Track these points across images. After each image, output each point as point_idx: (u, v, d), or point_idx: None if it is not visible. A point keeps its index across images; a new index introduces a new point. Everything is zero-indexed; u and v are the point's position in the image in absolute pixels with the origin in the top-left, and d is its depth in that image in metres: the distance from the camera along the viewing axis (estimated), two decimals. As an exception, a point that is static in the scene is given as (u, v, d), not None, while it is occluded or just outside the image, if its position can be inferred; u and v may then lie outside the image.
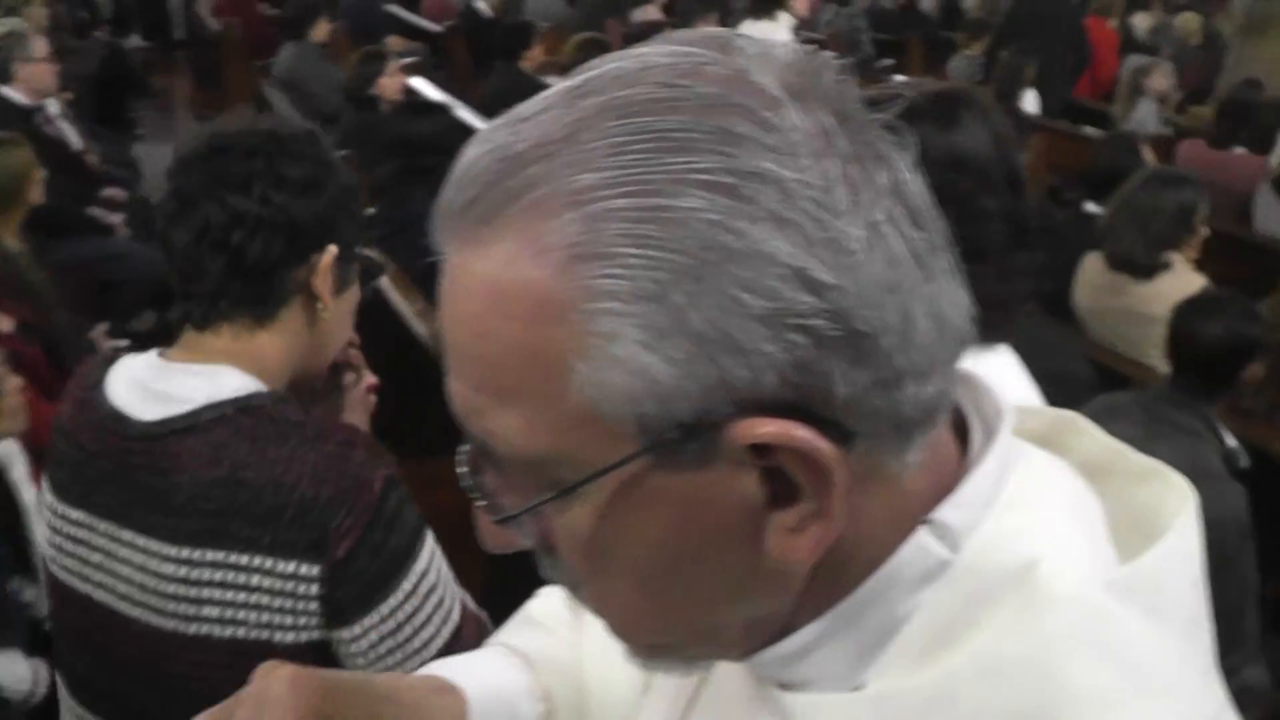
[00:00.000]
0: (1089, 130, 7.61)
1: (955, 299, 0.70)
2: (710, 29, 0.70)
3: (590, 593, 0.74)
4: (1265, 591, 3.64)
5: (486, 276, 0.65)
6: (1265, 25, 7.92)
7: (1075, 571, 0.69)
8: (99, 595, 1.66)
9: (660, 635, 0.74)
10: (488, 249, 0.65)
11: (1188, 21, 11.44)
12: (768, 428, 0.63)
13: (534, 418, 0.66)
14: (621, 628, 0.75)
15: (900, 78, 9.18)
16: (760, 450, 0.64)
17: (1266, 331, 3.21)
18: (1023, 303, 1.77)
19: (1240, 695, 2.49)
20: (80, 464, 1.68)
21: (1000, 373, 1.73)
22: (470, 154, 0.67)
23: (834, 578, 0.71)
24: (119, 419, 1.64)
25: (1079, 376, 3.42)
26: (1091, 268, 4.24)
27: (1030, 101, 7.82)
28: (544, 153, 0.64)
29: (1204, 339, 3.05)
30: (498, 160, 0.65)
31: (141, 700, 1.68)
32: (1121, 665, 0.67)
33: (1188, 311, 3.16)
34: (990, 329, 1.70)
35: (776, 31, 6.19)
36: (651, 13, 9.84)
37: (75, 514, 1.68)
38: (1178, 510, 0.75)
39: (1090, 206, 4.69)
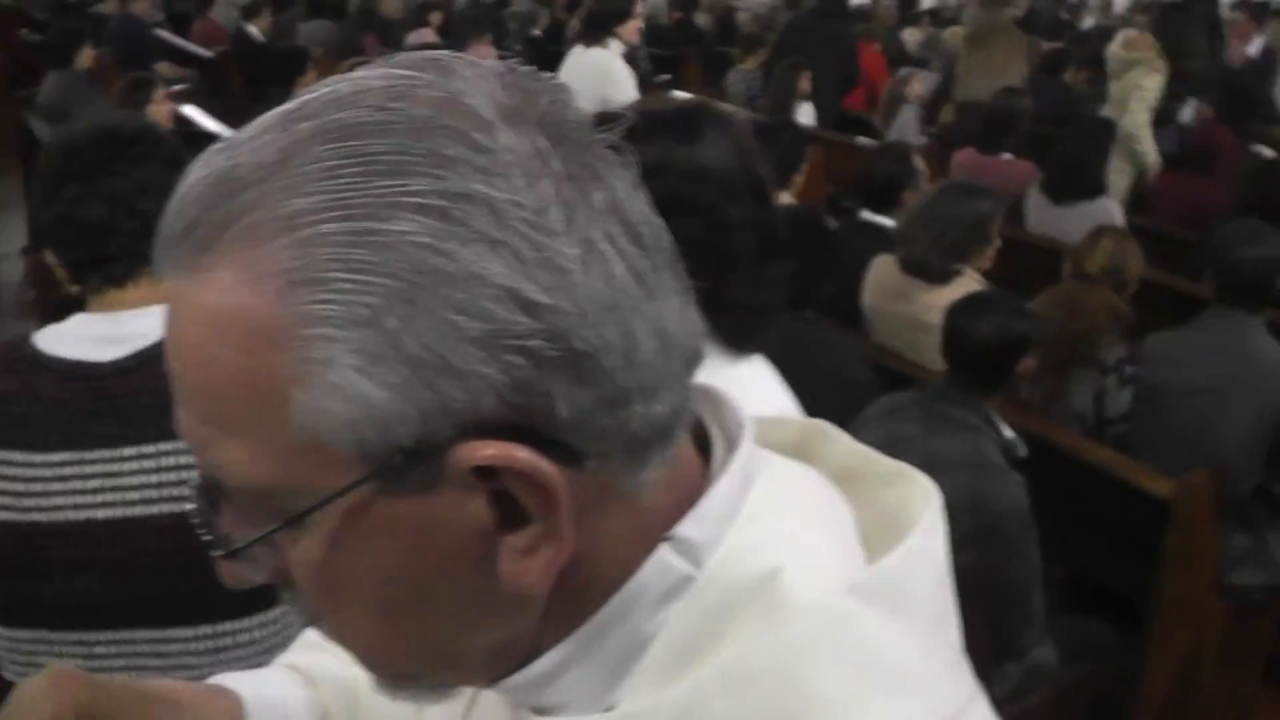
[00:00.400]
0: (862, 140, 7.83)
1: (682, 316, 0.70)
2: (432, 52, 0.70)
3: (329, 623, 0.73)
4: (1051, 573, 3.82)
5: (205, 304, 0.64)
6: (988, 36, 8.35)
7: (818, 578, 0.70)
8: (103, 514, 1.83)
9: (402, 664, 0.73)
10: (206, 276, 0.64)
11: (955, 34, 11.91)
12: (488, 450, 0.63)
13: (258, 448, 0.65)
14: (364, 657, 0.74)
15: (679, 93, 9.34)
16: (485, 473, 0.64)
17: (1038, 326, 3.34)
18: (776, 311, 1.81)
19: (1031, 674, 2.59)
20: (47, 416, 1.84)
21: (753, 381, 1.76)
22: (189, 178, 0.66)
23: (576, 599, 0.71)
24: (82, 365, 1.85)
25: (860, 379, 3.52)
26: (881, 271, 4.33)
27: (806, 114, 8.02)
28: (258, 177, 0.63)
29: (977, 337, 3.13)
30: (214, 185, 0.64)
31: (166, 590, 1.85)
32: (864, 666, 0.68)
33: (960, 311, 3.24)
34: (744, 337, 1.76)
35: (611, 60, 6.28)
36: (427, 35, 9.78)
37: (57, 457, 1.82)
38: (922, 509, 0.76)
39: (866, 215, 4.79)
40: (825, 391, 3.37)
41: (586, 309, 0.63)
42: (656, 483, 0.70)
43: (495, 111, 0.65)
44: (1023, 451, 3.17)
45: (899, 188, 4.76)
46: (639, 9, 6.42)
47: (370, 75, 0.67)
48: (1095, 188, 5.83)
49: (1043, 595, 3.15)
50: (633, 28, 6.35)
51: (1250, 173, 6.00)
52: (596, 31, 6.28)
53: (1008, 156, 6.46)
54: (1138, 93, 7.48)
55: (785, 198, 4.84)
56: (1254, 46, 9.03)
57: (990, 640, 3.04)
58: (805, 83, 7.97)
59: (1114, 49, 8.06)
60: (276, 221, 0.62)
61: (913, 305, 4.12)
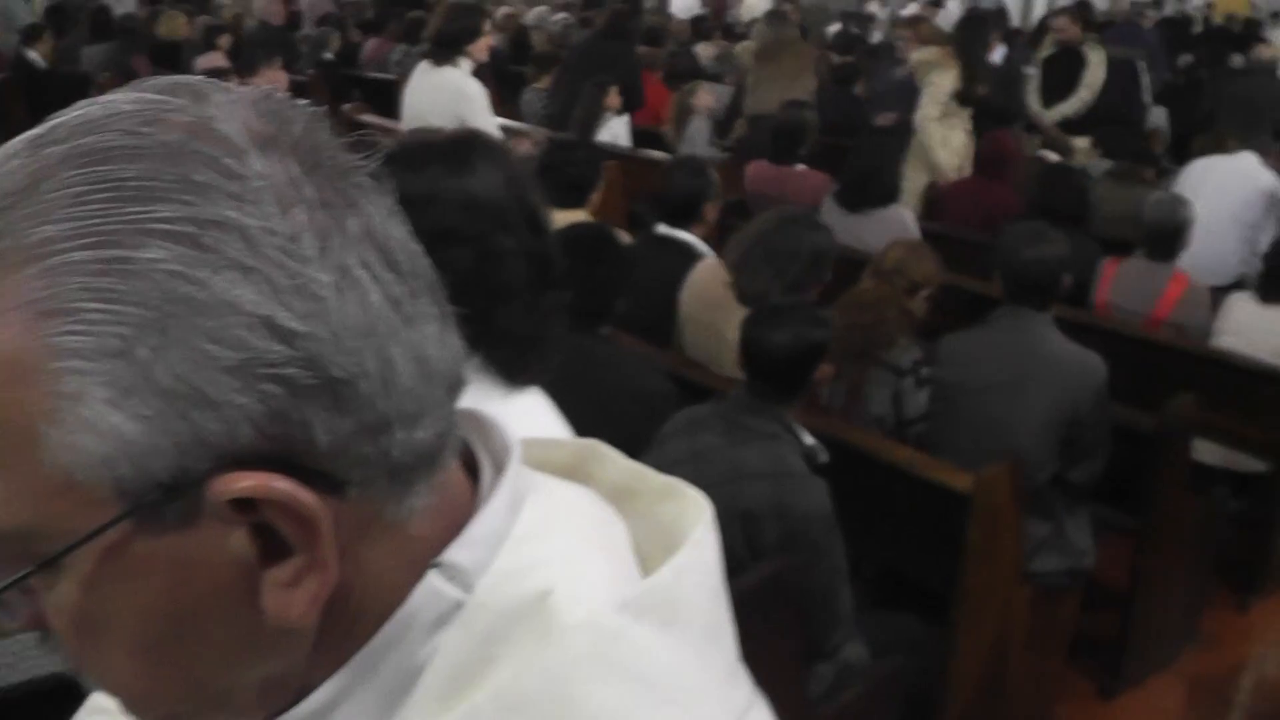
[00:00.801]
0: (655, 154, 7.96)
1: (442, 342, 0.70)
2: (185, 77, 0.69)
3: (92, 670, 0.70)
4: (862, 571, 3.92)
5: None
6: (776, 51, 8.62)
7: (589, 597, 0.70)
8: None
9: (171, 706, 0.71)
10: None
11: (746, 49, 12.11)
12: (246, 481, 0.62)
13: (10, 488, 0.62)
14: (130, 702, 0.72)
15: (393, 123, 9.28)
16: (244, 505, 0.63)
17: (837, 334, 3.41)
18: (555, 341, 1.79)
19: (844, 672, 2.65)
20: None
21: (529, 414, 1.75)
22: None
23: (346, 631, 0.70)
24: None
25: (661, 392, 3.54)
26: (703, 277, 4.36)
27: (619, 130, 8.15)
28: (5, 204, 0.62)
29: (773, 346, 3.18)
30: None
31: None
32: (637, 682, 0.68)
33: (756, 321, 3.28)
34: (519, 368, 1.74)
35: (464, 79, 6.25)
36: (216, 59, 9.58)
37: None
38: (694, 523, 0.77)
39: (663, 229, 4.82)
40: (626, 406, 3.42)
41: (342, 336, 0.63)
42: (424, 510, 0.69)
43: (248, 138, 0.64)
44: (824, 457, 3.22)
45: (698, 201, 4.82)
46: (488, 26, 6.45)
47: (122, 99, 0.65)
48: (888, 195, 5.99)
49: (851, 595, 3.22)
50: (483, 45, 6.35)
51: (1035, 177, 6.24)
52: (446, 50, 6.22)
53: (801, 168, 6.60)
54: (929, 89, 7.78)
55: (583, 215, 4.87)
56: (997, 54, 9.52)
57: (802, 642, 3.11)
58: (613, 99, 8.06)
59: (915, 54, 8.36)
60: (24, 250, 0.60)
61: (725, 317, 4.14)
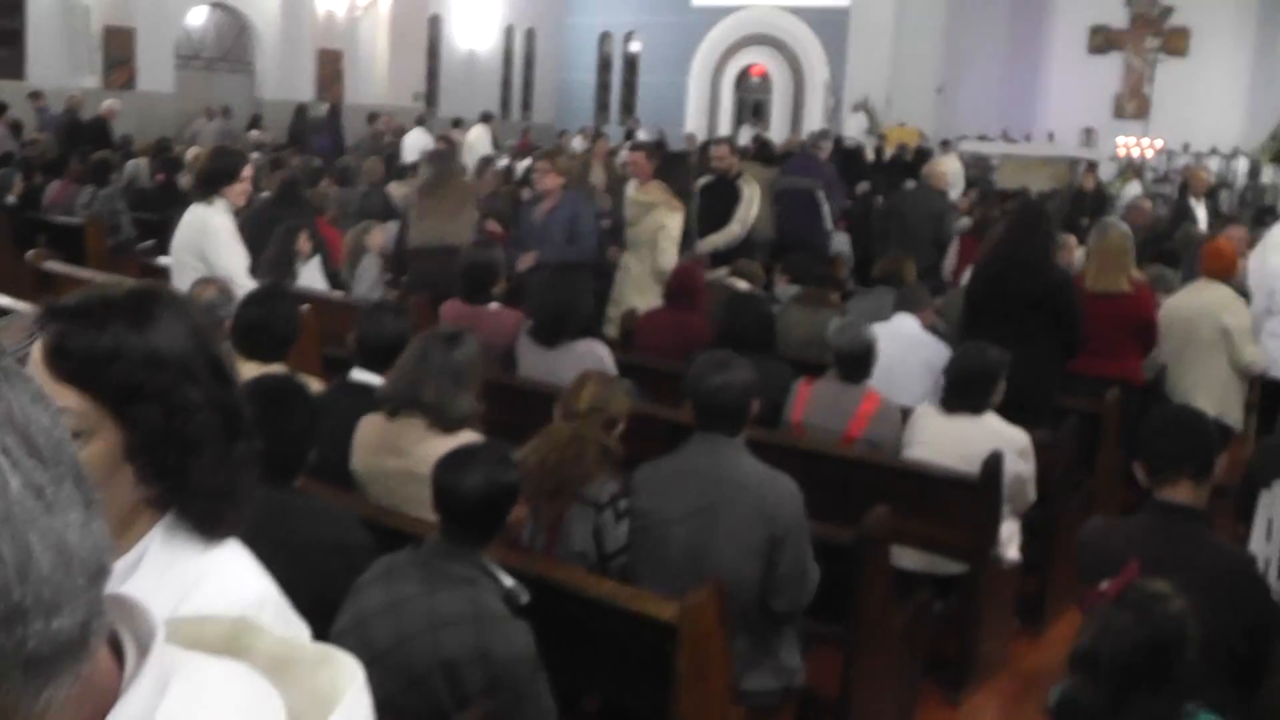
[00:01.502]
0: (339, 295, 7.97)
1: (87, 530, 0.68)
2: None
3: None
4: (585, 706, 3.87)
5: None
6: (437, 187, 8.86)
7: None
8: None
9: None
10: None
11: (399, 188, 12.27)
12: None
13: None
14: None
15: (163, 259, 9.10)
16: None
17: (534, 472, 3.41)
18: (248, 491, 1.75)
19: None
20: None
21: (228, 567, 1.72)
22: None
23: None
24: None
25: (358, 543, 3.48)
26: (369, 430, 4.29)
27: (313, 273, 8.16)
28: None
29: (465, 490, 3.17)
30: None
31: None
32: None
33: (446, 465, 3.27)
34: (215, 521, 1.71)
35: (211, 216, 6.42)
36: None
37: None
38: (347, 687, 0.79)
39: (357, 374, 4.75)
40: (323, 560, 3.34)
41: None
42: (67, 700, 0.66)
43: None
44: (525, 598, 3.20)
45: (398, 345, 4.75)
46: (247, 172, 6.55)
47: None
48: (581, 329, 6.06)
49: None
50: (239, 189, 6.50)
51: (723, 304, 6.43)
52: (205, 189, 6.49)
53: (494, 306, 6.64)
54: (664, 232, 8.30)
55: (279, 367, 4.76)
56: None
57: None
58: (304, 243, 8.05)
59: (631, 195, 8.77)
60: None
61: (407, 459, 4.11)
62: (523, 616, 3.13)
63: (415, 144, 19.38)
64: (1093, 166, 21.03)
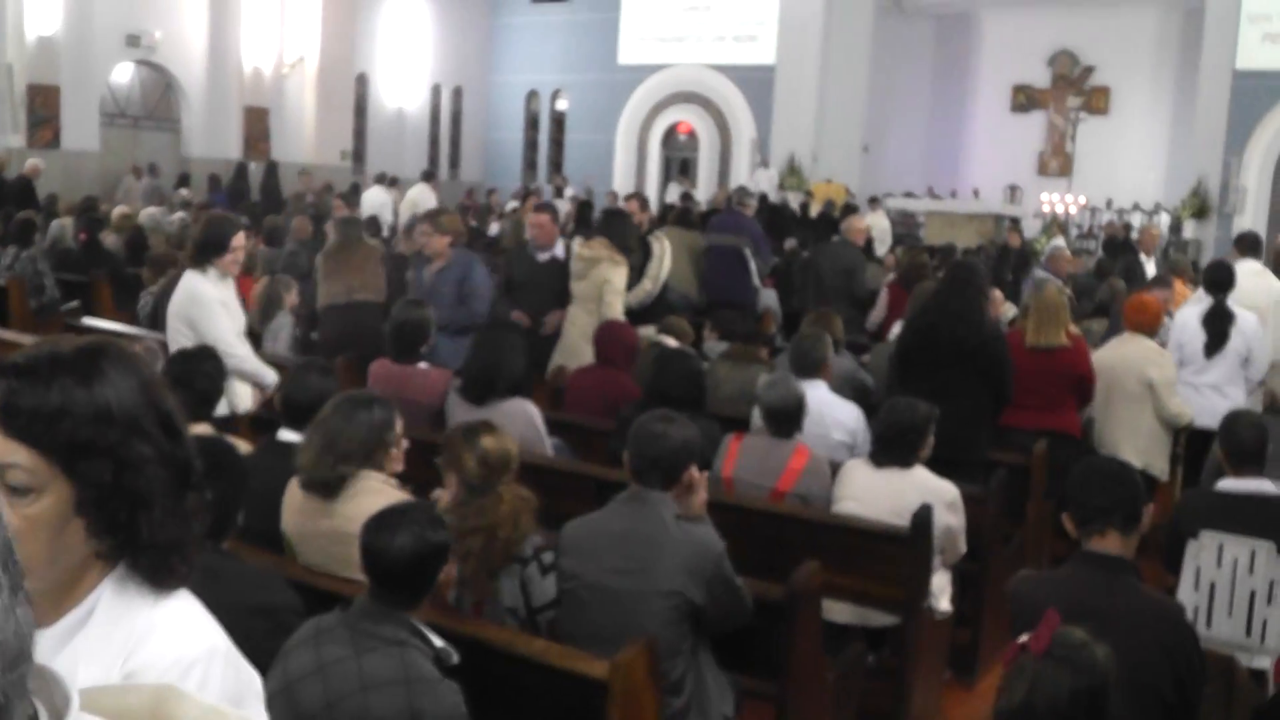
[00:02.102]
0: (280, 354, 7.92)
1: (9, 615, 0.67)
2: None
3: None
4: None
5: None
6: (342, 248, 9.20)
7: None
8: None
9: None
10: None
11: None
12: None
13: None
14: None
15: (90, 320, 9.01)
16: None
17: (460, 533, 3.37)
18: (198, 542, 1.79)
19: None
20: None
21: (179, 618, 1.73)
22: None
23: None
24: None
25: (287, 605, 3.44)
26: (297, 491, 4.23)
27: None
28: None
29: (393, 551, 3.14)
30: None
31: None
32: None
33: (374, 527, 3.23)
34: (166, 573, 1.73)
35: (199, 284, 6.48)
36: None
37: None
38: None
39: (285, 434, 4.71)
40: (251, 623, 3.28)
41: None
42: None
43: None
44: (455, 659, 3.17)
45: (321, 401, 4.71)
46: (238, 241, 6.57)
47: None
48: (511, 388, 6.04)
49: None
50: (229, 260, 6.54)
51: (652, 362, 6.43)
52: (198, 257, 6.54)
53: (423, 366, 6.63)
54: (609, 286, 8.52)
55: (203, 428, 4.71)
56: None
57: None
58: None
59: (577, 251, 8.95)
60: None
61: (336, 520, 4.07)
62: (453, 677, 3.11)
63: (373, 201, 19.43)
64: (1016, 223, 21.42)
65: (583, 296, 8.70)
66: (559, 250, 9.10)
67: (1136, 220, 25.58)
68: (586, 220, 17.45)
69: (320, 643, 3.12)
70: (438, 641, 3.17)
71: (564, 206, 20.14)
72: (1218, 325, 8.09)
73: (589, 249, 8.79)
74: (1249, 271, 8.94)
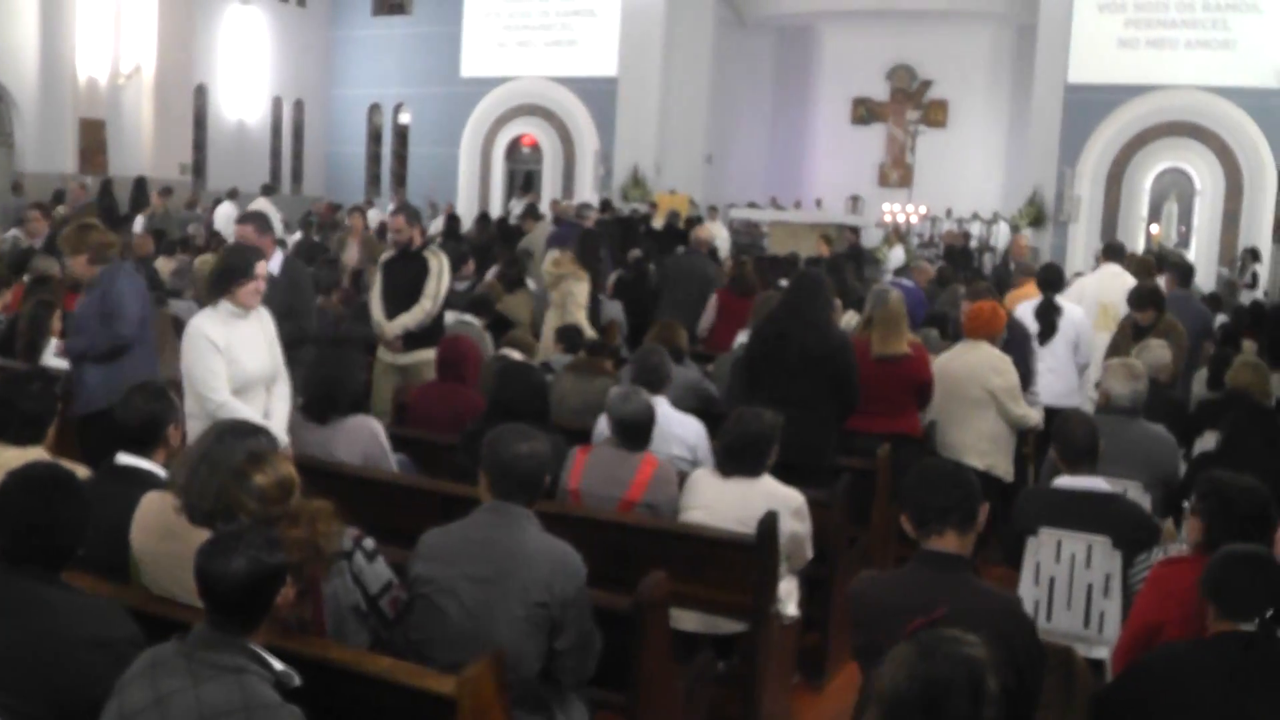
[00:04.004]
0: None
1: None
2: None
3: None
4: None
5: None
6: None
7: None
8: None
9: None
10: None
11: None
12: None
13: None
14: None
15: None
16: None
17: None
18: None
19: None
20: None
21: None
22: None
23: None
24: None
25: (125, 636, 3.36)
26: (149, 510, 4.10)
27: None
28: None
29: (229, 576, 3.06)
30: None
31: None
32: None
33: (209, 551, 3.13)
34: None
35: (195, 319, 6.06)
36: None
37: None
38: None
39: (124, 458, 4.51)
40: (88, 656, 3.21)
41: None
42: None
43: None
44: (297, 681, 3.12)
45: (158, 426, 4.57)
46: (261, 269, 6.06)
47: None
48: (353, 405, 5.95)
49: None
50: (249, 291, 6.00)
51: (495, 374, 6.39)
52: (213, 289, 6.09)
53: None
54: (572, 298, 9.94)
55: (38, 452, 4.56)
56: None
57: None
58: (56, 322, 7.76)
59: (545, 266, 10.30)
60: None
61: (182, 543, 3.92)
62: (297, 700, 3.05)
63: (226, 215, 19.02)
64: (856, 232, 21.80)
65: (553, 304, 9.92)
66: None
67: (975, 229, 26.24)
68: (455, 233, 17.62)
69: (157, 675, 3.02)
70: (278, 665, 3.10)
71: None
72: (1048, 317, 9.29)
73: (558, 265, 10.01)
74: (1110, 274, 10.58)
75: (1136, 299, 9.15)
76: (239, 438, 4.02)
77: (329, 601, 3.89)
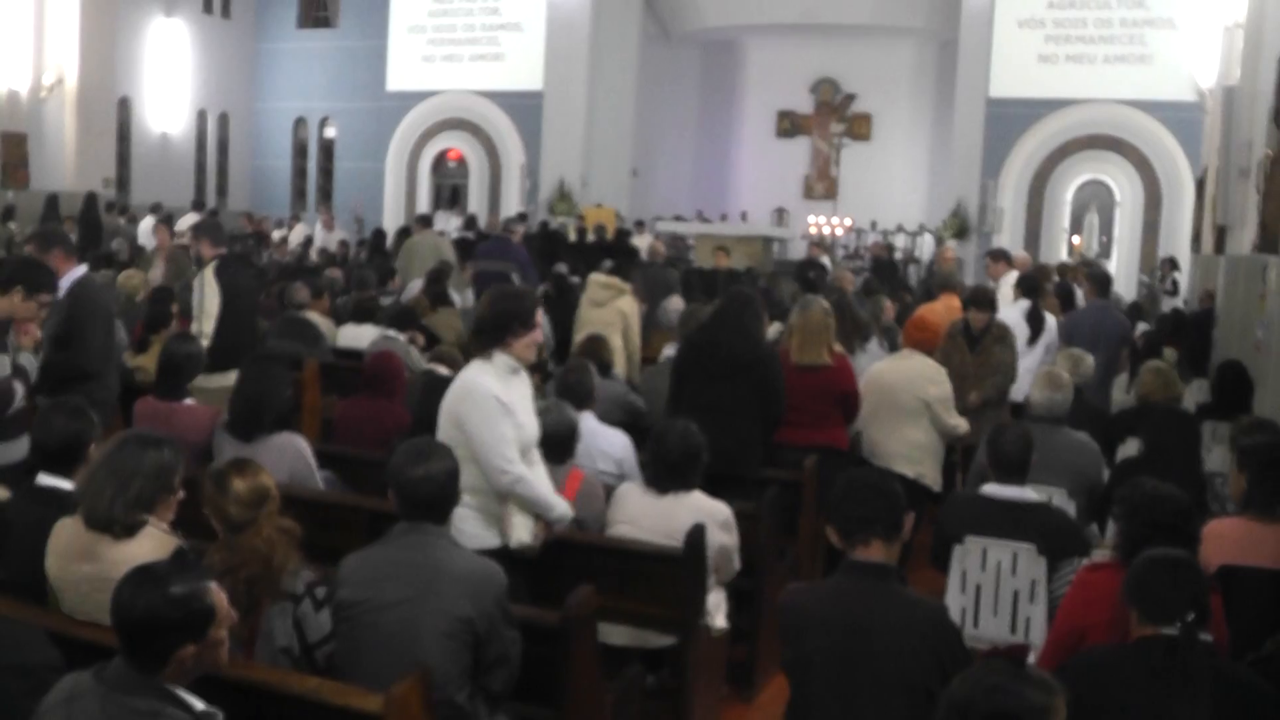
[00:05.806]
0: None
1: None
2: None
3: None
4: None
5: None
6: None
7: None
8: None
9: None
10: None
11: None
12: None
13: None
14: None
15: None
16: None
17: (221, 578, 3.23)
18: None
19: None
20: None
21: None
22: None
23: None
24: None
25: (45, 662, 3.27)
26: (63, 534, 4.04)
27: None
28: None
29: (128, 612, 2.92)
30: None
31: None
32: None
33: (123, 580, 2.99)
34: None
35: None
36: None
37: None
38: None
39: (43, 479, 4.46)
40: (5, 683, 3.13)
41: None
42: None
43: None
44: (221, 717, 3.01)
45: (79, 445, 4.50)
46: (540, 318, 5.21)
47: None
48: (279, 422, 5.89)
49: None
50: (526, 344, 5.13)
51: (420, 389, 6.37)
52: (482, 340, 5.19)
53: (189, 402, 6.44)
54: (628, 318, 10.28)
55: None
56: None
57: None
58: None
59: (598, 283, 10.67)
60: None
61: (100, 564, 3.88)
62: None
63: (148, 230, 18.78)
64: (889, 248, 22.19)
65: (602, 323, 10.04)
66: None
67: (901, 241, 26.47)
68: (380, 247, 17.63)
69: (73, 708, 2.91)
70: (199, 705, 2.98)
71: (335, 239, 19.95)
72: (1037, 322, 10.05)
73: (608, 287, 10.47)
74: (1009, 281, 11.28)
75: (975, 298, 9.18)
76: (142, 446, 4.01)
77: (263, 634, 3.86)
